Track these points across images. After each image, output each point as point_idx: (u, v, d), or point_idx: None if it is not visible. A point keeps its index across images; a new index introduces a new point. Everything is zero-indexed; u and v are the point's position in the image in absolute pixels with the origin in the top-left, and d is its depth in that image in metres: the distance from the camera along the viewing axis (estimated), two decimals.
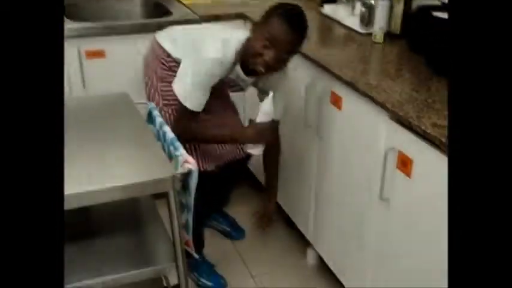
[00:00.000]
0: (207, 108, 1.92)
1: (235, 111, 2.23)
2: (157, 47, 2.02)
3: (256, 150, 1.99)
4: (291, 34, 1.77)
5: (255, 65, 1.82)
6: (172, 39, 2.01)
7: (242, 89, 2.10)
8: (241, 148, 2.08)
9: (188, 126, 1.89)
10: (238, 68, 1.90)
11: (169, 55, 1.98)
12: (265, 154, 2.11)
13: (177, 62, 1.97)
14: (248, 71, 1.89)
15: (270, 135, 1.97)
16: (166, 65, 1.99)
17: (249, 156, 2.20)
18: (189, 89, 1.83)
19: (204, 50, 1.82)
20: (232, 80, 1.97)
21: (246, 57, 1.85)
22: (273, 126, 2.00)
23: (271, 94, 1.87)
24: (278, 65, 1.84)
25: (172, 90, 1.92)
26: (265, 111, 1.90)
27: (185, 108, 1.85)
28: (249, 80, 1.95)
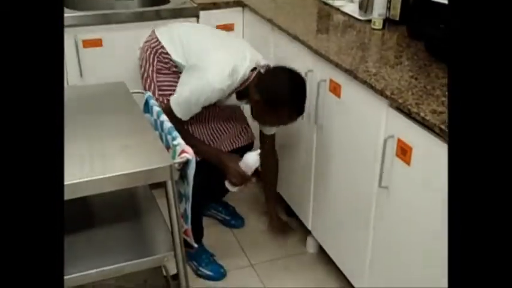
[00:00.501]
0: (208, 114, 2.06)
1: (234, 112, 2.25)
2: (156, 43, 2.02)
3: (235, 188, 2.06)
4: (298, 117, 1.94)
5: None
6: (173, 38, 2.02)
7: None
8: (243, 136, 2.17)
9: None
10: (233, 95, 1.97)
11: (167, 53, 1.99)
12: (263, 162, 2.12)
13: (174, 62, 1.98)
14: (242, 95, 1.98)
15: (245, 184, 2.05)
16: (163, 60, 2.00)
17: (250, 144, 2.21)
18: (183, 100, 1.89)
19: (210, 72, 1.85)
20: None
21: (245, 93, 1.95)
22: (248, 181, 2.05)
23: (258, 151, 1.98)
24: None
25: (167, 81, 1.94)
26: (247, 163, 1.97)
27: (172, 111, 1.90)
28: (243, 102, 2.03)
